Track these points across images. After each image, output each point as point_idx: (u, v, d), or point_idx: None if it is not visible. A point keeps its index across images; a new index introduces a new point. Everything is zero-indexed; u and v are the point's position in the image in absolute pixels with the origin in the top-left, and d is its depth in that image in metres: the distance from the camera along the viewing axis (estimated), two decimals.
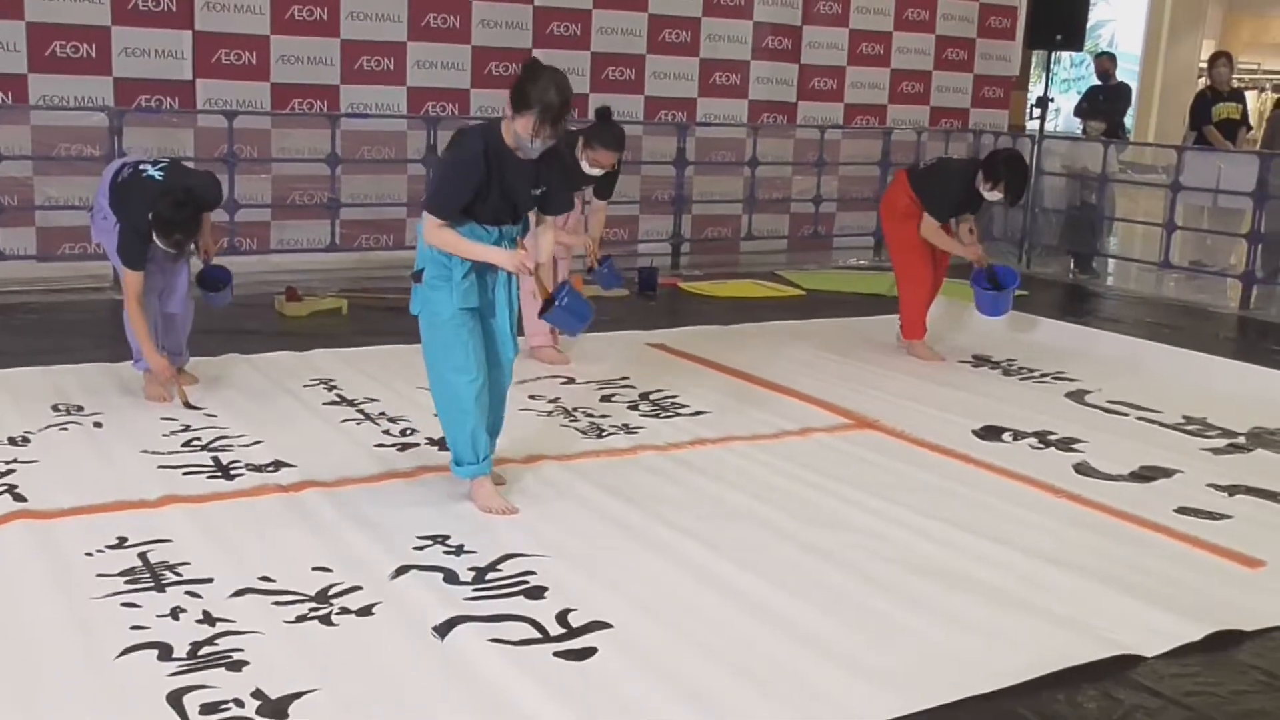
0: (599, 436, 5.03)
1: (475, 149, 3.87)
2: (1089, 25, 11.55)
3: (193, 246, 5.22)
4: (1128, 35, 20.90)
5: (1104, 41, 20.46)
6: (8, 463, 4.37)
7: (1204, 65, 13.81)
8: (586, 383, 5.84)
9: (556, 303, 4.22)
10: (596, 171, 5.82)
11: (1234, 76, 11.58)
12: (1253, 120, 12.33)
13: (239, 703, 2.81)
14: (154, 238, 4.92)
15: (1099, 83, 11.47)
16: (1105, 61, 11.64)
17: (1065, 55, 15.45)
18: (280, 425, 4.97)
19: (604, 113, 5.82)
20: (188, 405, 5.12)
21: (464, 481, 4.21)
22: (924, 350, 6.71)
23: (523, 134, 3.82)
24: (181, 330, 5.42)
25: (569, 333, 4.59)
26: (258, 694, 2.85)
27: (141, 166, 5.11)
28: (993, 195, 6.40)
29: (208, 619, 3.22)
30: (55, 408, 5.06)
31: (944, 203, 6.52)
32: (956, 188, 6.49)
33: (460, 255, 3.94)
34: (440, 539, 3.84)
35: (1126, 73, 13.04)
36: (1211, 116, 10.31)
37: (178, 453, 4.58)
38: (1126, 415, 5.78)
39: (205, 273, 5.43)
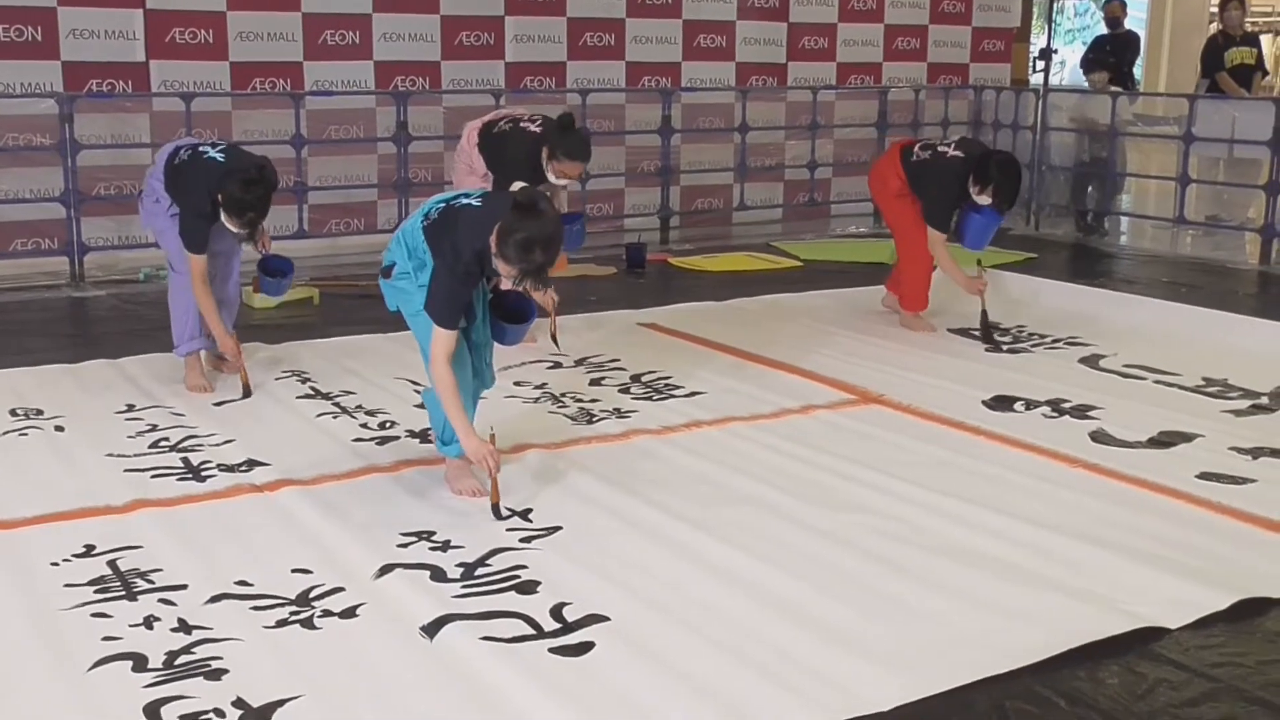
0: (589, 422, 5.05)
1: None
2: None
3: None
4: None
5: None
6: None
7: (1215, 9, 13.80)
8: (574, 366, 5.85)
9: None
10: (563, 183, 5.81)
11: (1247, 20, 11.58)
12: (1268, 65, 12.34)
13: (220, 713, 2.83)
14: (223, 219, 5.09)
15: (1107, 31, 11.47)
16: (1115, 8, 11.61)
17: (1068, 4, 15.45)
18: (252, 422, 4.98)
19: (567, 120, 5.69)
20: (248, 391, 5.31)
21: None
22: (918, 322, 6.75)
23: (504, 275, 3.89)
24: (228, 320, 5.54)
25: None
26: (239, 703, 2.87)
27: (201, 149, 5.31)
28: (982, 199, 6.36)
29: (183, 627, 3.23)
30: (13, 412, 5.06)
31: (944, 210, 6.52)
32: (954, 191, 6.45)
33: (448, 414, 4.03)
34: (425, 535, 3.86)
35: (1134, 20, 13.02)
36: (1225, 62, 10.33)
37: (145, 455, 4.58)
38: (1144, 379, 5.80)
39: (269, 262, 5.53)
